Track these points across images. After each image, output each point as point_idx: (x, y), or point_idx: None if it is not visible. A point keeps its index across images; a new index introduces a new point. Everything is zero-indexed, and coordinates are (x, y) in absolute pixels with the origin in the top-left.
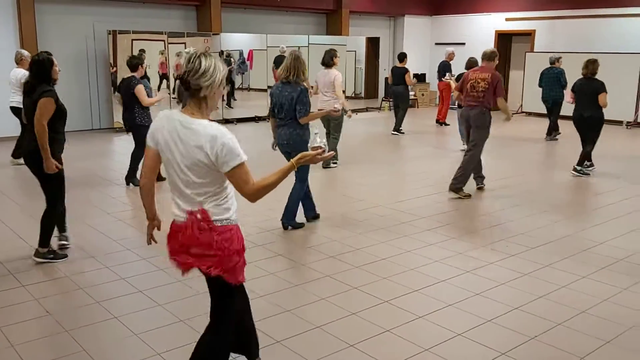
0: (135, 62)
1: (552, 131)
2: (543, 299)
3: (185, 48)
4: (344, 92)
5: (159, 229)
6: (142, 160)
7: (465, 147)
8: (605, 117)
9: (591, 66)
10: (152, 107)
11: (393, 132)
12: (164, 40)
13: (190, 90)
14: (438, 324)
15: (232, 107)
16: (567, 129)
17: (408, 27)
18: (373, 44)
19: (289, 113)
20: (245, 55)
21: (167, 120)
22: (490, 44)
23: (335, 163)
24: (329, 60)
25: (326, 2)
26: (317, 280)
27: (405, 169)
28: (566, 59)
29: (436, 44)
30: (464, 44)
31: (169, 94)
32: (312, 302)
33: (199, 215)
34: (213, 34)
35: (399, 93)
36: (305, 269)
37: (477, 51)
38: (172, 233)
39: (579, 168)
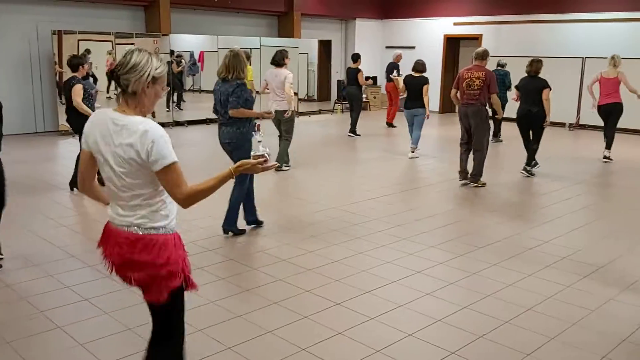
0: (75, 62)
1: (498, 132)
2: (491, 298)
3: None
4: (296, 94)
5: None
6: None
7: (415, 154)
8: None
9: (535, 65)
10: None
11: (349, 134)
12: (111, 41)
13: (121, 87)
14: (389, 325)
15: (182, 109)
16: (510, 131)
17: (359, 31)
18: (325, 47)
19: (225, 110)
20: (196, 57)
21: (99, 119)
22: (439, 48)
23: (288, 166)
24: (280, 59)
25: (277, 4)
26: (269, 284)
27: (357, 171)
28: (512, 62)
29: (387, 47)
30: (414, 47)
31: (108, 97)
32: (263, 307)
33: (135, 224)
34: (162, 35)
35: (351, 94)
36: (256, 273)
37: (427, 54)
38: (106, 235)
39: (529, 168)
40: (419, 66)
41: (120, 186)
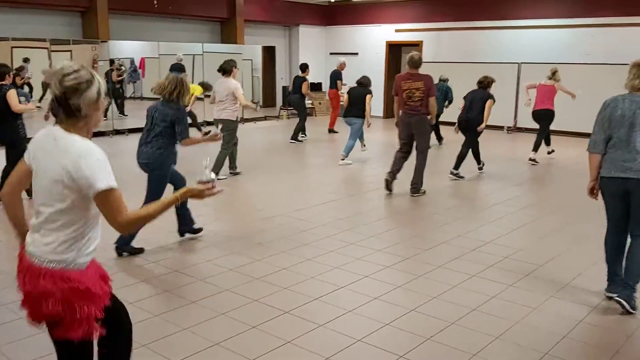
0: (2, 70)
1: (439, 139)
2: (437, 299)
3: (71, 57)
4: (256, 103)
5: None
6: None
7: (345, 162)
8: (488, 123)
9: (489, 80)
10: (29, 118)
11: (291, 141)
12: (47, 48)
13: (68, 111)
14: (338, 331)
15: (126, 115)
16: (451, 135)
17: (303, 37)
18: (269, 53)
19: (159, 131)
20: (137, 64)
21: (45, 135)
22: (382, 54)
23: (237, 172)
24: (228, 68)
25: (220, 10)
26: (215, 295)
27: (303, 177)
28: (451, 68)
29: (331, 53)
30: (357, 53)
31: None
32: (210, 319)
33: (53, 263)
34: (101, 42)
35: (295, 102)
36: (202, 284)
37: (370, 60)
38: (24, 267)
39: (455, 172)
40: (365, 80)
41: (45, 207)
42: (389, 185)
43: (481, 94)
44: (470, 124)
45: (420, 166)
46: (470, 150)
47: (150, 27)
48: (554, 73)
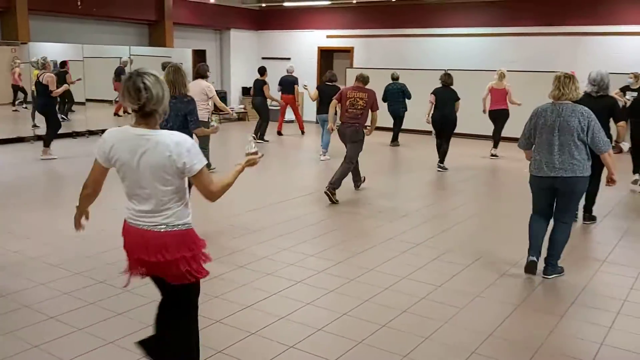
0: None
1: (396, 138)
2: (368, 302)
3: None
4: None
5: (87, 218)
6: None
7: (325, 157)
8: (417, 128)
9: (449, 78)
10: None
11: (262, 141)
12: None
13: (147, 114)
14: (271, 339)
15: (69, 120)
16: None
17: (234, 41)
18: (200, 57)
19: (178, 125)
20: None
21: (122, 136)
22: (314, 59)
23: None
24: (202, 71)
25: (148, 12)
26: (143, 306)
27: (238, 182)
28: (382, 74)
29: (263, 58)
30: (289, 58)
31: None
32: (137, 331)
33: (168, 222)
34: (21, 43)
35: (257, 105)
36: (129, 295)
37: (302, 65)
38: (132, 238)
39: (442, 165)
40: (333, 77)
41: (152, 194)
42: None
43: (451, 93)
44: (448, 120)
45: (344, 172)
46: (444, 145)
47: (74, 29)
48: (503, 76)
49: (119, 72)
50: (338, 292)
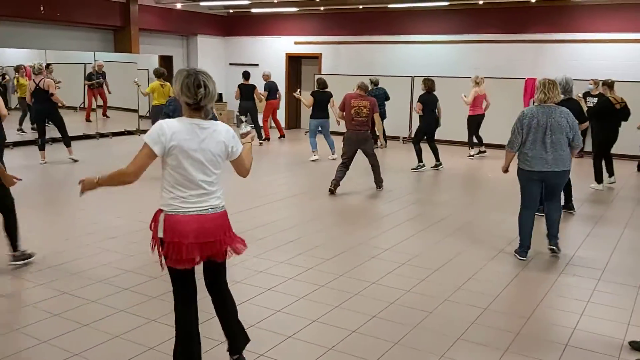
0: None
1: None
2: (338, 309)
3: None
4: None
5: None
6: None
7: (316, 157)
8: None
9: (431, 83)
10: None
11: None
12: None
13: (204, 110)
14: None
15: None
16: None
17: (202, 47)
18: (166, 63)
19: None
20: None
21: (181, 125)
22: (282, 66)
23: None
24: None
25: (113, 18)
26: (110, 316)
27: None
28: (350, 80)
29: (230, 64)
30: (257, 64)
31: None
32: (105, 341)
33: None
34: None
35: (249, 108)
36: (95, 306)
37: (271, 71)
38: (186, 225)
39: (438, 163)
40: (322, 84)
41: (208, 178)
42: (333, 192)
43: (435, 98)
44: (438, 123)
45: (375, 165)
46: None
47: (37, 35)
48: (480, 80)
49: (90, 78)
50: (308, 299)
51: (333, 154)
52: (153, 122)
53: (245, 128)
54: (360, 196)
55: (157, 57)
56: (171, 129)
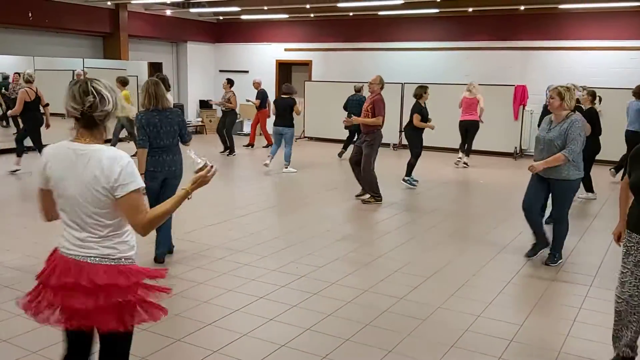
0: None
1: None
2: (331, 317)
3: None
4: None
5: None
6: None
7: (286, 163)
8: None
9: (420, 91)
10: None
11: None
12: None
13: (91, 122)
14: (233, 356)
15: None
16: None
17: (191, 54)
18: (156, 69)
19: (174, 138)
20: (10, 79)
21: (56, 152)
22: (272, 72)
23: None
24: (168, 86)
25: (102, 24)
26: None
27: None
28: (340, 87)
29: (220, 70)
30: (247, 71)
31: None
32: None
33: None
34: None
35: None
36: None
37: (261, 78)
38: (62, 269)
39: (406, 178)
40: (287, 89)
41: (85, 218)
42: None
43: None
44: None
45: (365, 173)
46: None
47: (24, 41)
48: (473, 86)
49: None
50: (301, 307)
51: (286, 167)
52: (115, 135)
53: (199, 163)
54: (351, 203)
55: (146, 63)
56: (46, 158)
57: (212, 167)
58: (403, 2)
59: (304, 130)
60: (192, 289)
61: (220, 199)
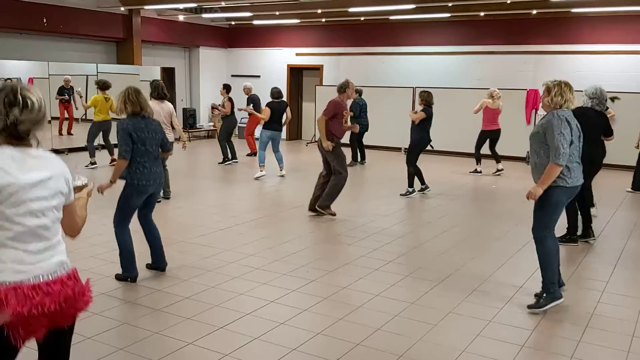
0: None
1: (360, 156)
2: (342, 321)
3: None
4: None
5: None
6: None
7: (262, 173)
8: (386, 145)
9: (426, 95)
10: None
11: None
12: None
13: (19, 134)
14: None
15: None
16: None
17: (204, 59)
18: (169, 74)
19: (158, 147)
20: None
21: (7, 156)
22: (283, 77)
23: (168, 197)
24: (162, 93)
25: (115, 30)
26: (114, 329)
27: (207, 201)
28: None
29: (232, 75)
30: (259, 76)
31: None
32: (107, 355)
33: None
34: None
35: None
36: (98, 318)
37: (272, 83)
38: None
39: (411, 190)
40: (277, 93)
41: (44, 227)
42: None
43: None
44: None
45: (336, 186)
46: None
47: (39, 46)
48: (498, 95)
49: (61, 93)
50: (312, 311)
51: (282, 170)
52: (90, 141)
53: (79, 180)
54: (361, 208)
55: (159, 68)
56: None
57: (86, 184)
58: (414, 6)
59: (314, 134)
60: (203, 293)
61: (230, 204)
